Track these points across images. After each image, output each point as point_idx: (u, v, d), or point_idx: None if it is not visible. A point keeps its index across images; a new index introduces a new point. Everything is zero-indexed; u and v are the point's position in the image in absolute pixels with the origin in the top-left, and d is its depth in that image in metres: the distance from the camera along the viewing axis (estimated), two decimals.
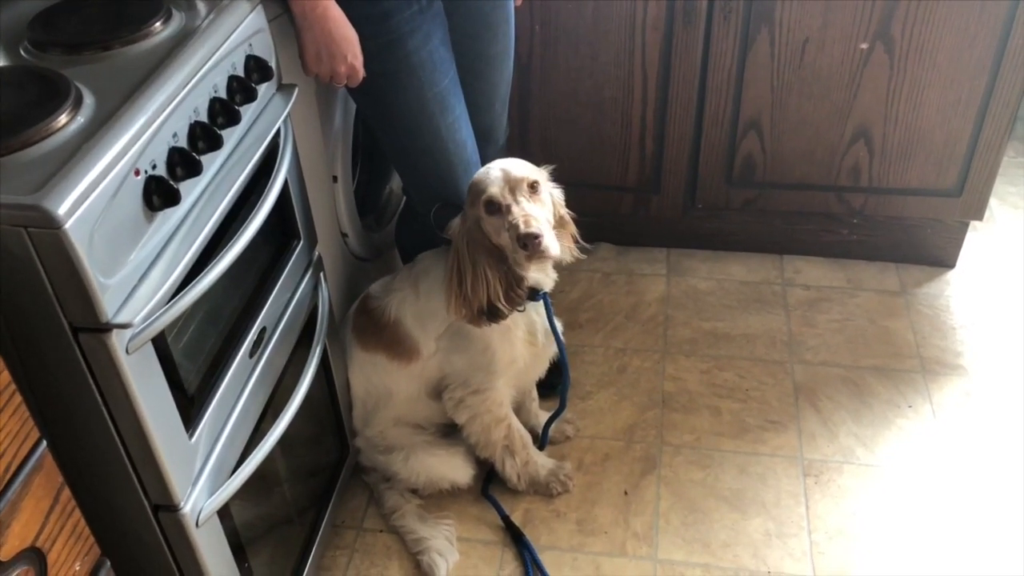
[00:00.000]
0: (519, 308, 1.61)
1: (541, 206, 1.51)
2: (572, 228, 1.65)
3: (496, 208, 1.49)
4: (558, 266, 1.65)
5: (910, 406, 1.99)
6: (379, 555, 1.75)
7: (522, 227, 1.44)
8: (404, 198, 2.17)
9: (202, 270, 1.11)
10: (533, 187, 1.50)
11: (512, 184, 1.48)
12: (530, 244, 1.44)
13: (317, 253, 1.56)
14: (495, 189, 1.48)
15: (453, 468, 1.77)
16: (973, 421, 1.95)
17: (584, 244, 1.68)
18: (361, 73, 1.49)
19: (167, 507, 1.15)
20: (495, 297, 1.53)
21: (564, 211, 1.62)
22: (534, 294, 1.62)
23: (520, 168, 1.51)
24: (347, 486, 1.83)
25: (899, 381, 2.05)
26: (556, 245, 1.48)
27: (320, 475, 1.71)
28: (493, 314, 1.55)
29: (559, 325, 1.71)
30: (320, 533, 1.66)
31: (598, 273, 2.39)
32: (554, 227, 1.57)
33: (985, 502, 1.78)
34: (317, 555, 1.65)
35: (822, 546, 1.72)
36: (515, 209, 1.46)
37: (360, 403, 1.78)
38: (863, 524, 1.75)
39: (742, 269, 2.38)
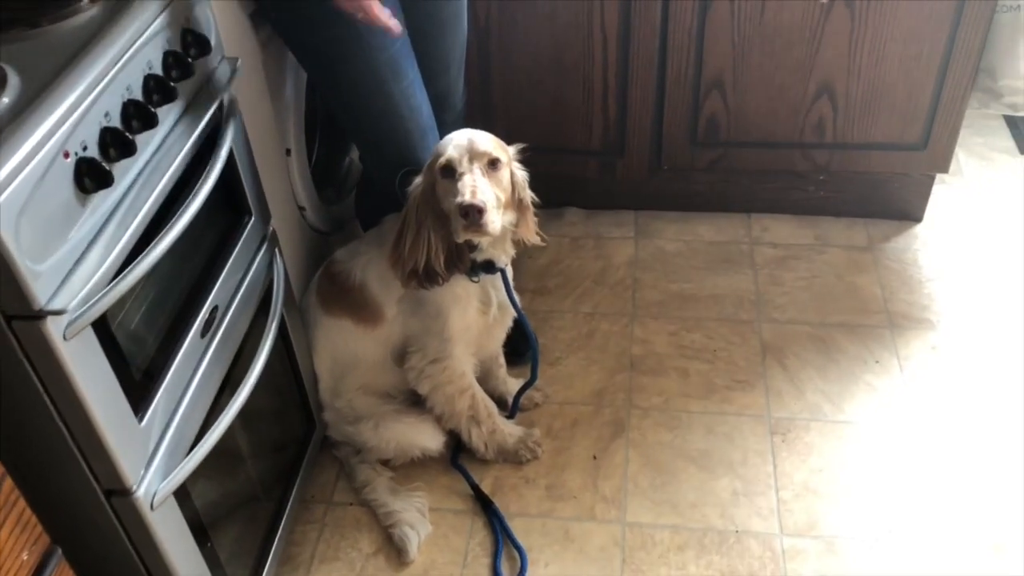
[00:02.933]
0: (474, 279, 1.60)
1: (495, 184, 1.49)
2: (531, 213, 1.61)
3: (451, 173, 1.47)
4: (520, 245, 1.64)
5: (877, 361, 2.00)
6: (349, 528, 1.75)
7: (467, 197, 1.42)
8: (363, 168, 2.15)
9: (143, 251, 1.09)
10: (494, 164, 1.48)
11: (473, 155, 1.47)
12: (471, 214, 1.42)
13: (271, 228, 1.54)
14: (454, 154, 1.47)
15: (423, 434, 1.77)
16: (940, 374, 1.96)
17: (543, 235, 1.64)
18: None
19: (119, 492, 1.14)
20: (434, 261, 1.53)
21: (526, 195, 1.59)
22: (490, 267, 1.61)
23: (486, 142, 1.50)
24: (315, 461, 1.82)
25: (866, 337, 2.05)
26: (497, 223, 1.47)
27: (286, 451, 1.71)
28: (429, 277, 1.55)
29: (518, 298, 1.70)
30: (288, 509, 1.66)
31: (566, 238, 2.37)
32: (513, 210, 1.56)
33: (952, 455, 1.79)
34: (286, 531, 1.65)
35: (789, 504, 1.73)
36: (466, 178, 1.44)
37: (327, 372, 1.78)
38: (830, 481, 1.76)
39: (710, 229, 2.37)
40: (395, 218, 1.68)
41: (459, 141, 1.49)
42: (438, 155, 1.49)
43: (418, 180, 1.56)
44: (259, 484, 1.60)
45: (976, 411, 1.87)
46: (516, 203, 1.57)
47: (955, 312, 2.10)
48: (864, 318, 2.10)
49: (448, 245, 1.54)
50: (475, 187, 1.43)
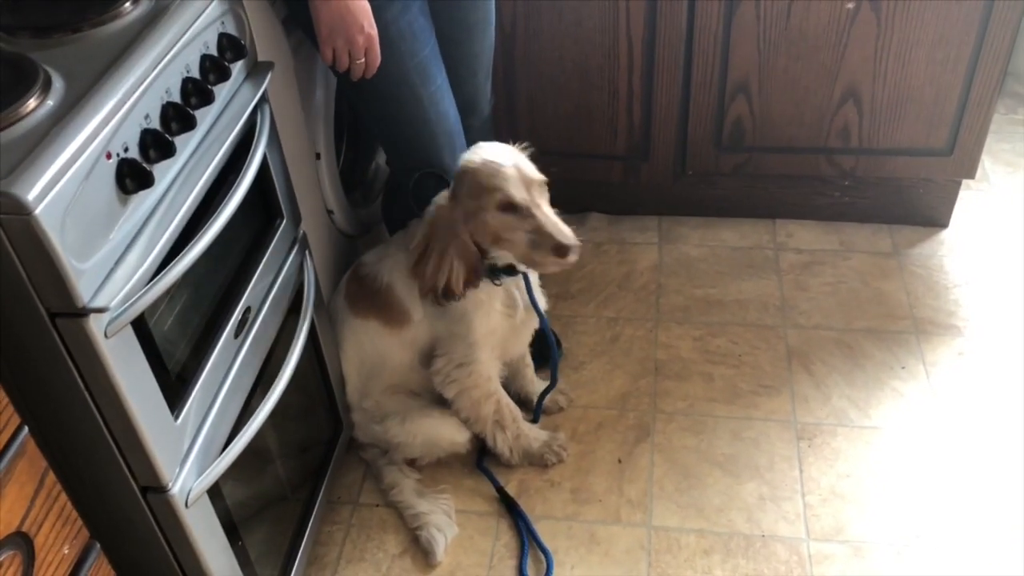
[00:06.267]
0: (496, 282, 1.61)
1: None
2: None
3: (513, 208, 1.47)
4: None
5: (903, 367, 1.99)
6: (375, 529, 1.76)
7: (563, 239, 1.45)
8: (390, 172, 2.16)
9: (181, 252, 1.11)
10: (543, 188, 1.50)
11: (528, 184, 1.47)
12: (570, 254, 1.46)
13: (302, 231, 1.56)
14: (514, 191, 1.46)
15: (450, 428, 1.77)
16: (966, 381, 1.95)
17: None
18: (378, 45, 1.46)
19: (155, 488, 1.15)
20: (454, 284, 1.54)
21: None
22: (511, 269, 1.62)
23: (529, 166, 1.50)
24: (342, 462, 1.83)
25: (892, 342, 2.05)
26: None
27: (314, 451, 1.72)
28: (446, 296, 1.57)
29: (542, 301, 1.72)
30: (316, 509, 1.67)
31: (589, 243, 2.38)
32: None
33: (979, 461, 1.78)
34: (313, 531, 1.66)
35: (816, 508, 1.73)
36: (540, 215, 1.46)
37: (355, 373, 1.79)
38: (857, 486, 1.76)
39: (734, 235, 2.37)
40: (421, 222, 1.69)
41: (510, 172, 1.46)
42: (490, 187, 1.46)
43: (442, 197, 1.57)
44: (287, 484, 1.62)
45: (1003, 417, 1.86)
46: None
47: (981, 318, 2.09)
48: (890, 324, 2.09)
49: (468, 267, 1.54)
50: (557, 223, 1.46)
